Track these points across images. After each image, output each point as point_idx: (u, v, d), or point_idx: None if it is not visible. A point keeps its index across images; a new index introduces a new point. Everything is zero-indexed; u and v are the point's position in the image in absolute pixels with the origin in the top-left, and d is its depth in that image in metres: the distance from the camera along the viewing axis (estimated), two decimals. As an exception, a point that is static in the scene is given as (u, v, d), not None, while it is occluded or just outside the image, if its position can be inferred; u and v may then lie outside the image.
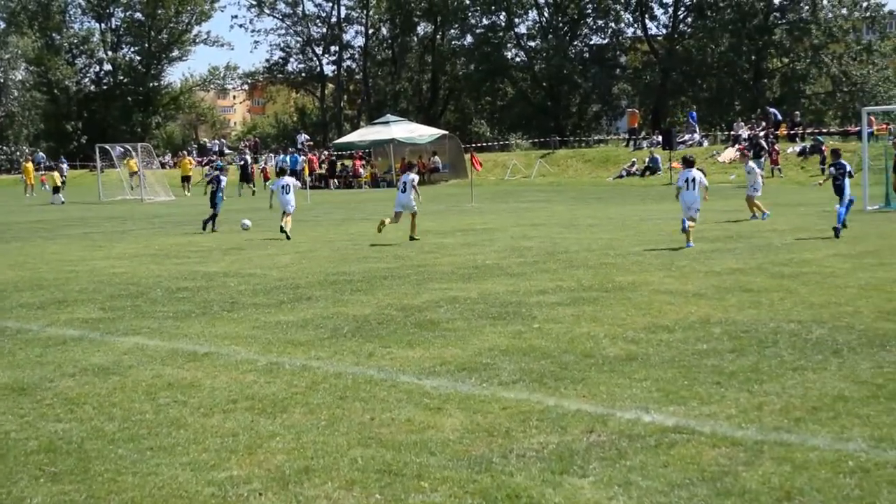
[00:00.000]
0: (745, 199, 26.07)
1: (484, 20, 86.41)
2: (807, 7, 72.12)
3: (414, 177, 23.59)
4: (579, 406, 8.10)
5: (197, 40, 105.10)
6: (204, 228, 27.34)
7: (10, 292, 15.92)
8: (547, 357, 9.89)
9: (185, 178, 56.86)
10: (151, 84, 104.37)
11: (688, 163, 21.39)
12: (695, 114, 61.92)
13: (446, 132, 61.66)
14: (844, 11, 71.80)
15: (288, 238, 23.54)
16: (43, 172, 69.71)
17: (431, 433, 7.49)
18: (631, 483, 6.34)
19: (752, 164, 27.32)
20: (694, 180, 20.72)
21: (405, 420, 7.86)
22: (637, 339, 10.67)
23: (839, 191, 22.17)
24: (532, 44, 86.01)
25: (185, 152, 73.89)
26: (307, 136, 77.35)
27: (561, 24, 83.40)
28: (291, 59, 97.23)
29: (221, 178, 28.91)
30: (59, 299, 15.01)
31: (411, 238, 22.80)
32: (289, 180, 25.59)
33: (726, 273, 15.77)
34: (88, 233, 28.91)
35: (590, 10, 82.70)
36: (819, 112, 73.43)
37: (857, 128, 42.79)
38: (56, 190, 51.74)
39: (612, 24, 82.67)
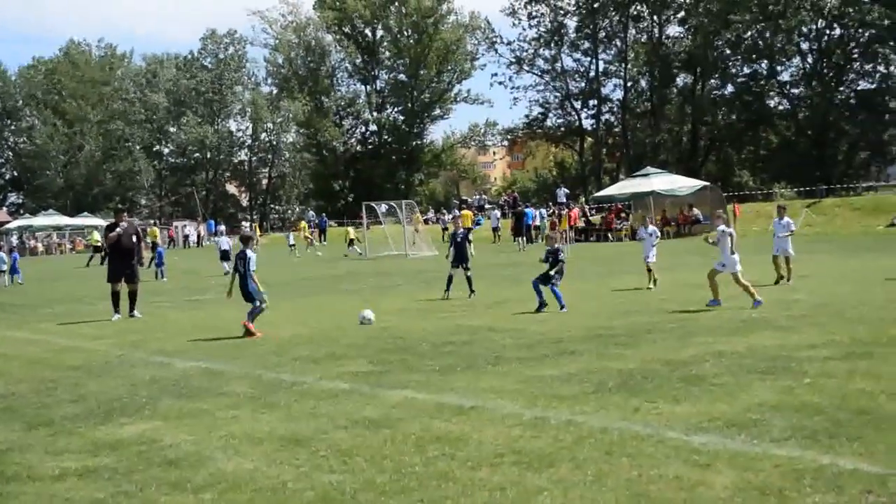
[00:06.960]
0: None
1: (745, 69, 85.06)
2: None
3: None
4: (856, 465, 7.78)
5: (458, 98, 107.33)
6: None
7: (289, 347, 16.60)
8: (820, 413, 9.55)
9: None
10: (414, 142, 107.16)
11: None
12: None
13: (707, 183, 60.79)
14: None
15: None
16: (313, 230, 73.23)
17: (701, 490, 7.36)
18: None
19: None
20: None
21: (673, 477, 7.73)
22: (919, 395, 10.16)
23: None
24: (795, 91, 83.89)
25: (457, 208, 75.73)
26: (567, 190, 77.69)
27: (826, 70, 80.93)
28: (550, 114, 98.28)
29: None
30: (331, 353, 15.56)
31: None
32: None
33: None
34: (358, 288, 29.80)
35: (856, 55, 79.92)
36: None
37: None
38: (351, 243, 56.56)
39: (881, 69, 79.55)
